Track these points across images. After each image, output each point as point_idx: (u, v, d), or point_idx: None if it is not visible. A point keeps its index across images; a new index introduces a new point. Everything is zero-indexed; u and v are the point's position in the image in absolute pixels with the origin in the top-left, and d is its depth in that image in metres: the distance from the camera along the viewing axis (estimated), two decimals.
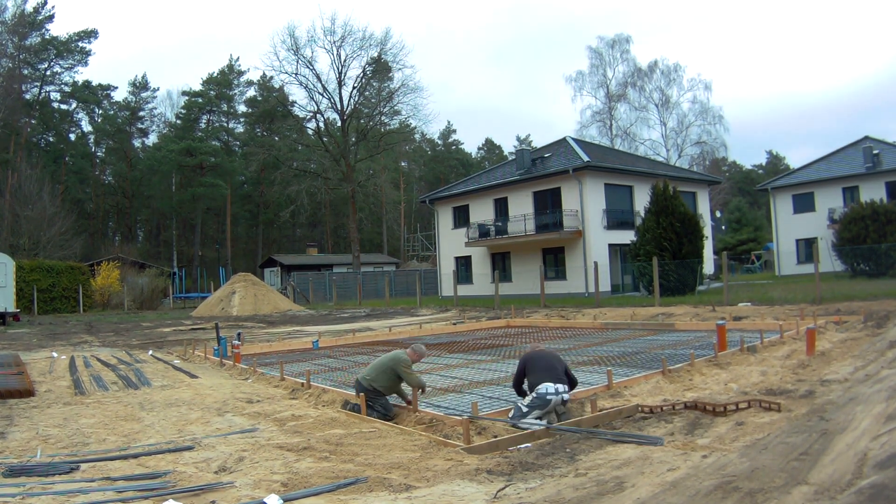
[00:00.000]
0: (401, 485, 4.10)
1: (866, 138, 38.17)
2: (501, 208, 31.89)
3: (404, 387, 6.82)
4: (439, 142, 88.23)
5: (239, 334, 13.15)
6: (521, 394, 6.52)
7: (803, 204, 37.23)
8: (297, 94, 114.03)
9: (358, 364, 11.27)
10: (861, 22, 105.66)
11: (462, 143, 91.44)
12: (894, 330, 10.48)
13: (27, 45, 56.78)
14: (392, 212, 69.16)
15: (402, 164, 77.55)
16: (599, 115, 59.18)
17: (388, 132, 52.17)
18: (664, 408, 6.25)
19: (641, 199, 27.10)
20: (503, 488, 3.98)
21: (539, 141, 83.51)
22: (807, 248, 34.90)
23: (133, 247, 61.20)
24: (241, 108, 72.14)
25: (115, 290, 36.65)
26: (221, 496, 3.97)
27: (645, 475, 3.87)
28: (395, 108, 49.55)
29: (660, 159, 52.02)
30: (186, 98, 68.38)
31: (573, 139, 33.74)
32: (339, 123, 47.72)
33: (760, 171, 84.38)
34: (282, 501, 3.77)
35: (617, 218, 28.62)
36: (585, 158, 27.93)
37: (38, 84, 61.20)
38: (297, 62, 45.22)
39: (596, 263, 22.37)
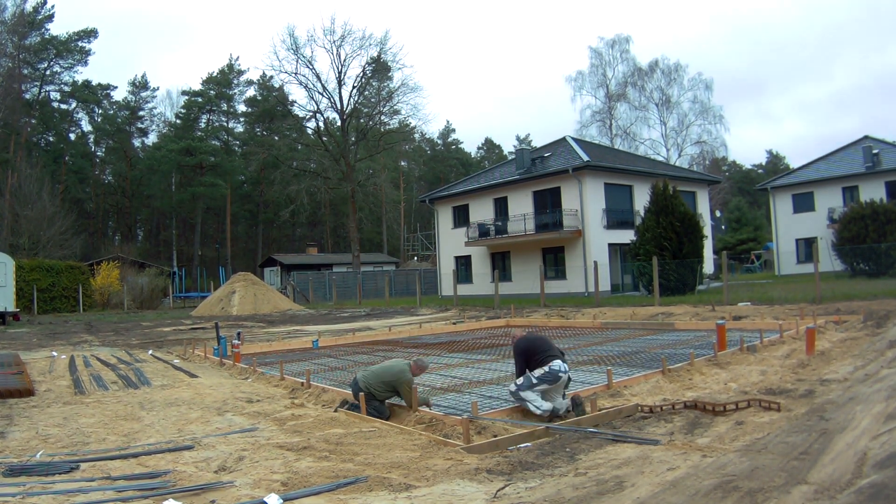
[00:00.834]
0: (401, 484, 4.10)
1: (866, 138, 38.18)
2: (501, 208, 31.89)
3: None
4: (439, 141, 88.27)
5: (239, 334, 13.14)
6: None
7: (803, 203, 37.24)
8: (296, 94, 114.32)
9: (358, 364, 11.26)
10: (861, 22, 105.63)
11: (462, 143, 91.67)
12: (894, 329, 10.48)
13: (27, 44, 56.75)
14: (392, 211, 69.18)
15: (402, 163, 77.57)
16: (599, 114, 59.24)
17: (388, 132, 52.18)
18: (664, 407, 6.25)
19: (641, 199, 27.11)
20: (503, 488, 3.98)
21: (539, 141, 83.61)
22: (806, 248, 34.91)
23: (133, 246, 61.21)
24: (241, 108, 72.28)
25: (115, 290, 36.65)
26: (221, 496, 3.97)
27: (645, 475, 3.87)
28: (395, 107, 49.59)
29: (660, 159, 52.03)
30: (186, 98, 68.44)
31: (573, 139, 33.73)
32: (338, 123, 47.73)
33: (760, 171, 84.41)
34: (282, 501, 3.77)
35: (617, 217, 28.62)
36: (585, 158, 27.94)
37: (38, 84, 61.20)
38: (297, 62, 45.29)
39: (596, 263, 22.37)
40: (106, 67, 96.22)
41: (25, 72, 57.94)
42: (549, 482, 4.03)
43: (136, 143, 70.33)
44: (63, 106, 64.88)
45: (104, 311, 34.78)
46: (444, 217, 35.71)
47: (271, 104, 61.05)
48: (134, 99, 68.86)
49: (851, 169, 35.62)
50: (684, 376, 7.93)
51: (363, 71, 47.24)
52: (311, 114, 48.85)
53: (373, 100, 50.21)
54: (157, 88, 71.38)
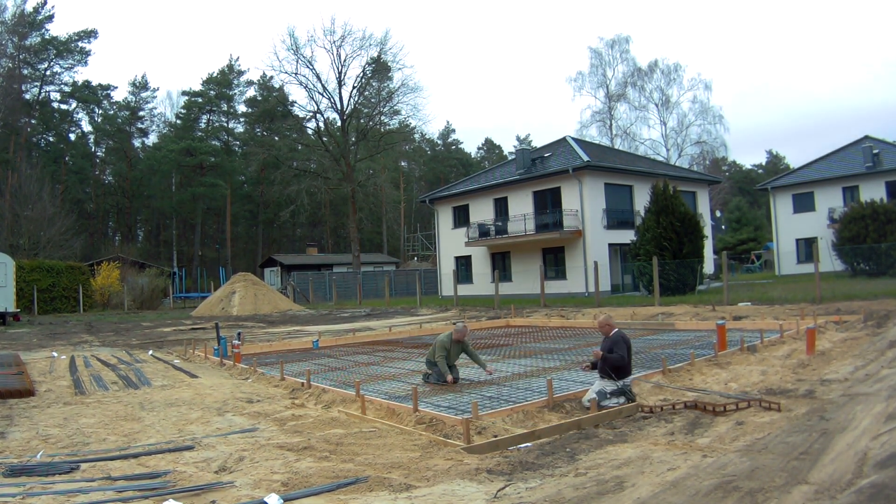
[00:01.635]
0: (401, 484, 4.10)
1: (866, 138, 38.16)
2: (501, 208, 31.88)
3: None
4: (439, 142, 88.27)
5: (239, 334, 13.15)
6: (603, 372, 6.76)
7: (803, 203, 37.22)
8: (296, 94, 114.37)
9: (358, 364, 11.26)
10: (861, 21, 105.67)
11: (462, 143, 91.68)
12: (894, 329, 10.48)
13: (27, 45, 56.76)
14: (392, 211, 69.16)
15: (402, 163, 77.57)
16: (599, 114, 59.24)
17: (388, 132, 52.17)
18: (664, 407, 6.25)
19: (641, 199, 27.10)
20: (503, 488, 3.98)
21: (539, 141, 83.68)
22: (807, 248, 34.89)
23: (133, 247, 61.19)
24: (241, 108, 72.24)
25: (115, 290, 36.64)
26: (221, 496, 3.97)
27: (645, 475, 3.87)
28: (395, 107, 49.57)
29: (660, 159, 52.02)
30: (186, 98, 68.43)
31: (573, 139, 33.72)
32: (338, 123, 47.72)
33: (760, 171, 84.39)
34: (282, 501, 3.77)
35: (617, 217, 28.61)
36: (585, 158, 27.93)
37: (38, 84, 61.20)
38: (297, 62, 45.26)
39: (596, 263, 22.37)
40: (106, 67, 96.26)
41: (25, 72, 57.96)
42: (549, 482, 4.03)
43: (137, 143, 70.34)
44: (63, 106, 64.90)
45: (104, 311, 34.77)
46: (445, 217, 35.71)
47: (271, 104, 61.06)
48: (134, 99, 68.87)
49: (852, 169, 35.61)
50: (685, 376, 7.93)
51: (363, 71, 47.28)
52: (311, 114, 48.89)
53: (373, 100, 50.21)
54: (158, 89, 71.62)
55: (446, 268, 34.21)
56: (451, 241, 34.82)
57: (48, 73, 61.57)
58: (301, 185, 47.15)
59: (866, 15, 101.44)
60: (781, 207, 38.48)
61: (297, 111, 52.67)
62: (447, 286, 33.38)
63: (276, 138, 61.24)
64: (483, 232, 31.38)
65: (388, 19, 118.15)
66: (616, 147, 51.76)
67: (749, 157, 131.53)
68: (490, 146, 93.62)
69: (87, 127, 67.51)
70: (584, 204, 27.48)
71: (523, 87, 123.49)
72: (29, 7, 56.19)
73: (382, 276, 42.94)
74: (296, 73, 45.64)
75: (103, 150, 69.01)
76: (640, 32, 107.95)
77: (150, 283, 38.13)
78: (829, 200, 35.43)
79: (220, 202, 65.90)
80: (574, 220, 27.60)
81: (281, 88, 57.05)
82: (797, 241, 36.63)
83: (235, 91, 71.10)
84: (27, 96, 58.96)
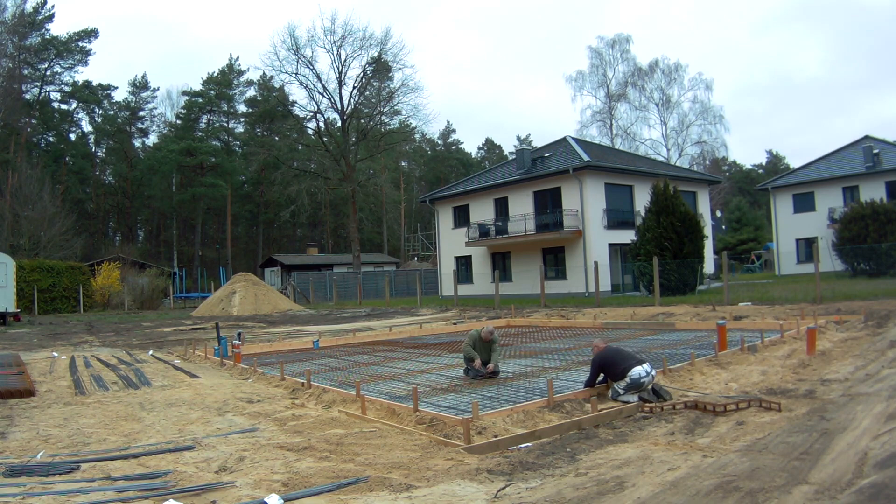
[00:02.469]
0: (401, 484, 4.10)
1: (866, 138, 38.15)
2: (501, 208, 31.88)
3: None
4: (439, 142, 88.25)
5: (239, 334, 13.15)
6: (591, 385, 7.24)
7: (803, 203, 37.21)
8: (297, 94, 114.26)
9: (358, 364, 11.26)
10: (861, 21, 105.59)
11: (462, 143, 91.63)
12: (895, 329, 10.48)
13: (27, 45, 56.75)
14: (392, 211, 69.15)
15: (402, 163, 77.55)
16: (599, 114, 59.22)
17: (389, 132, 52.15)
18: (664, 407, 6.25)
19: (642, 199, 27.09)
20: (503, 488, 3.98)
21: (539, 141, 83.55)
22: (807, 248, 34.88)
23: (133, 247, 61.20)
24: (241, 108, 72.23)
25: (116, 290, 36.65)
26: (222, 496, 3.97)
27: (645, 475, 3.87)
28: (396, 107, 49.53)
29: (660, 159, 52.01)
30: (186, 98, 68.42)
31: (573, 139, 33.72)
32: (339, 123, 47.70)
33: (760, 171, 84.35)
34: (282, 501, 3.77)
35: (617, 217, 28.61)
36: (586, 158, 27.92)
37: (38, 84, 61.22)
38: (298, 62, 45.20)
39: (596, 263, 22.37)
40: (106, 67, 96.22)
41: (26, 72, 57.97)
42: (549, 482, 4.03)
43: (137, 143, 70.38)
44: (63, 106, 64.92)
45: (105, 311, 34.77)
46: (445, 217, 35.71)
47: (271, 104, 60.97)
48: (134, 99, 68.88)
49: (852, 169, 35.59)
50: (685, 376, 7.93)
51: (364, 71, 47.24)
52: (311, 114, 48.84)
53: (373, 100, 50.19)
54: (158, 89, 71.27)
55: (446, 268, 34.22)
56: (451, 241, 34.82)
57: (48, 73, 61.62)
58: (301, 186, 47.13)
59: (866, 15, 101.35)
60: (781, 207, 38.47)
61: (297, 111, 52.62)
62: (447, 286, 33.38)
63: (277, 138, 61.22)
64: (483, 232, 31.38)
65: (389, 19, 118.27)
66: (616, 147, 51.74)
67: (749, 157, 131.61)
68: (490, 146, 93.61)
69: (87, 127, 67.64)
70: (584, 204, 27.47)
71: (523, 86, 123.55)
72: (29, 7, 56.30)
73: (383, 276, 42.94)
74: (296, 73, 45.64)
75: (103, 150, 69.05)
76: (641, 32, 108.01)
77: (150, 283, 38.14)
78: (830, 200, 35.42)
79: (221, 202, 65.90)
80: (574, 220, 27.60)
81: (281, 88, 56.99)
82: (797, 241, 36.62)
83: (235, 91, 71.14)
84: (27, 96, 58.98)
